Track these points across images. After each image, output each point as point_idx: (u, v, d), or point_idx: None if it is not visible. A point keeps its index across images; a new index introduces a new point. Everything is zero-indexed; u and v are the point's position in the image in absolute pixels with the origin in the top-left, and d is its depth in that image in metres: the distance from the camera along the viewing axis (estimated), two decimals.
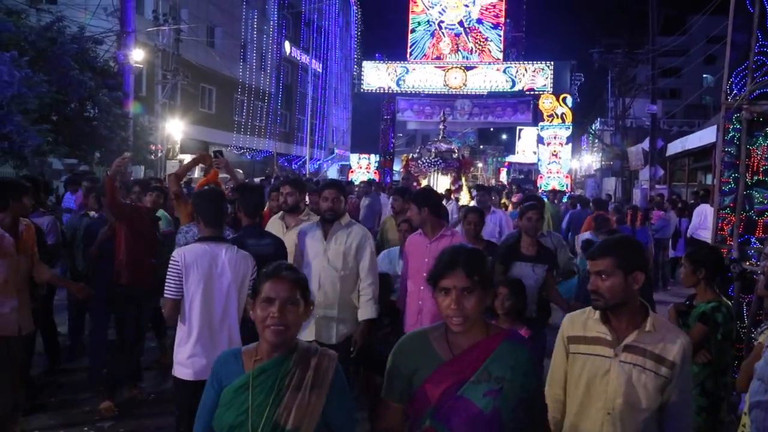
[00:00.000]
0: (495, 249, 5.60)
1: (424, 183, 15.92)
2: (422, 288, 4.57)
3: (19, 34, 13.63)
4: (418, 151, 18.92)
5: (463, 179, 17.04)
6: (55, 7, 17.38)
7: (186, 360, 3.95)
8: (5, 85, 11.41)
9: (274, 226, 5.41)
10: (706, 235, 9.96)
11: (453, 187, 15.73)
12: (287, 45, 36.52)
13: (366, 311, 4.75)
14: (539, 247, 5.30)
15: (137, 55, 17.75)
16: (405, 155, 20.48)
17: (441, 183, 16.66)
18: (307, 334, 4.56)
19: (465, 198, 15.20)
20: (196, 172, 18.88)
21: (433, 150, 17.68)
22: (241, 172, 17.91)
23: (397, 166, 30.12)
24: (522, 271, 5.10)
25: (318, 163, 39.55)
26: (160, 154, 20.44)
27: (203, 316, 3.92)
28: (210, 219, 4.12)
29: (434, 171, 17.15)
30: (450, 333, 2.27)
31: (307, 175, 29.88)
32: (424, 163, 17.29)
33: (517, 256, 5.23)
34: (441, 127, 18.96)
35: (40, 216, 6.48)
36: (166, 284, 3.95)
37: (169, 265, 3.95)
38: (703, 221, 11.30)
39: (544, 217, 5.74)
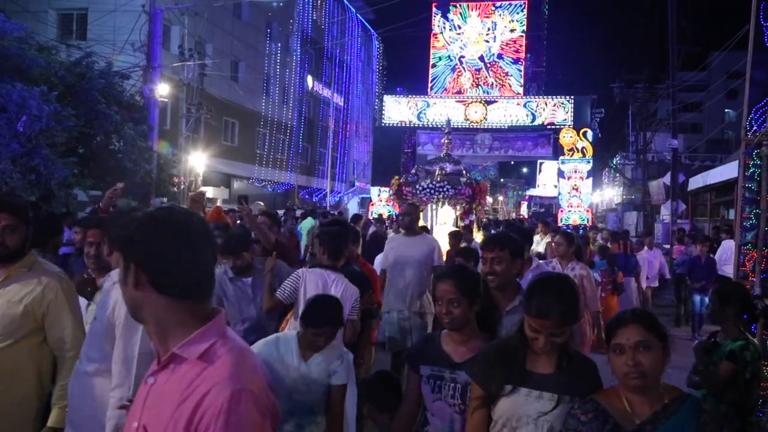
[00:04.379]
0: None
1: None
2: None
3: (50, 70, 13.98)
4: (414, 172, 13.50)
5: (475, 213, 12.79)
6: (85, 43, 17.84)
7: None
8: (34, 119, 11.70)
9: None
10: (731, 271, 9.88)
11: (462, 224, 11.84)
12: (309, 79, 36.98)
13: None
14: (561, 352, 2.51)
15: (162, 90, 18.10)
16: (395, 177, 13.80)
17: (441, 217, 12.36)
18: None
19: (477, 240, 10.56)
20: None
21: (437, 171, 12.56)
22: (262, 204, 18.02)
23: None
24: (520, 409, 2.49)
25: (339, 195, 39.73)
26: (182, 187, 20.68)
27: None
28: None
29: (440, 199, 12.27)
30: None
31: (328, 208, 29.98)
32: (424, 189, 12.27)
33: (521, 374, 2.53)
34: (445, 141, 13.90)
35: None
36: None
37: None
38: (729, 257, 11.21)
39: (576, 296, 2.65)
